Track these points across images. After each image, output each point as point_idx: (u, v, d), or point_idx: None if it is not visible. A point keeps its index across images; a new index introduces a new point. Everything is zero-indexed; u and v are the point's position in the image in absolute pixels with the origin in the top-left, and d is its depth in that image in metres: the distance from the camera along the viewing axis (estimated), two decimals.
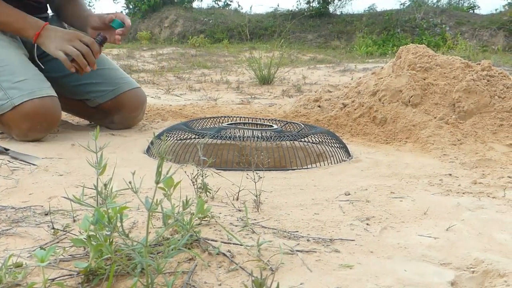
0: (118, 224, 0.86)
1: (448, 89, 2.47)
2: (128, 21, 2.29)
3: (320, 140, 2.07)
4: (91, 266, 0.85)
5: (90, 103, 2.51)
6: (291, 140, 1.98)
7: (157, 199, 0.88)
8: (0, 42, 2.20)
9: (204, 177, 1.37)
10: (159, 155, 0.82)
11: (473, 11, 15.31)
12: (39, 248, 0.97)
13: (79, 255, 0.95)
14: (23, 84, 2.08)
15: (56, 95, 2.15)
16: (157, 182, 0.82)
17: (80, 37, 2.21)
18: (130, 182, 0.84)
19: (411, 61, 2.64)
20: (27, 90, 2.07)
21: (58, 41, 2.19)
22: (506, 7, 13.46)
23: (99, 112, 2.52)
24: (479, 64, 2.61)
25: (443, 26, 12.90)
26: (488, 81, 2.48)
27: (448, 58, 2.66)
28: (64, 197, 1.29)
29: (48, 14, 2.56)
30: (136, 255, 0.83)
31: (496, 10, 14.48)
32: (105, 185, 0.90)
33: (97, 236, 0.85)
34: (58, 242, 1.03)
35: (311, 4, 14.87)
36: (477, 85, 2.42)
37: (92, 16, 2.37)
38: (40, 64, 2.36)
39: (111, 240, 0.86)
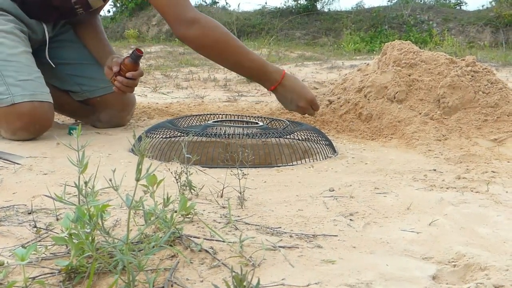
0: (100, 222, 0.86)
1: (433, 85, 2.49)
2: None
3: (306, 137, 2.08)
4: (72, 264, 0.85)
5: (77, 96, 2.49)
6: (276, 137, 1.99)
7: (140, 197, 0.88)
8: (13, 38, 2.19)
9: (188, 174, 1.37)
10: (139, 152, 0.82)
11: (460, 8, 15.38)
12: (20, 247, 0.97)
13: (61, 254, 0.94)
14: (26, 84, 2.08)
15: (52, 101, 2.16)
16: (137, 180, 0.82)
17: (313, 103, 2.38)
18: (110, 180, 0.84)
19: (396, 58, 2.65)
20: (30, 90, 2.07)
21: (294, 106, 2.38)
22: (493, 3, 13.53)
23: (86, 108, 2.51)
24: (464, 60, 2.62)
25: (430, 22, 12.96)
26: (472, 76, 2.49)
27: (433, 54, 2.68)
28: (47, 196, 1.29)
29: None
30: (117, 252, 0.83)
31: (482, 6, 14.59)
32: (86, 183, 0.90)
33: (79, 234, 0.85)
34: (40, 241, 1.03)
35: (299, 2, 14.88)
36: (462, 81, 2.43)
37: (112, 56, 2.33)
38: (51, 63, 2.36)
39: (92, 238, 0.86)
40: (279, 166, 1.83)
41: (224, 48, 2.20)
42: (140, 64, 2.24)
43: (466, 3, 16.18)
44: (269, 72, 2.28)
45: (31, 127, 2.07)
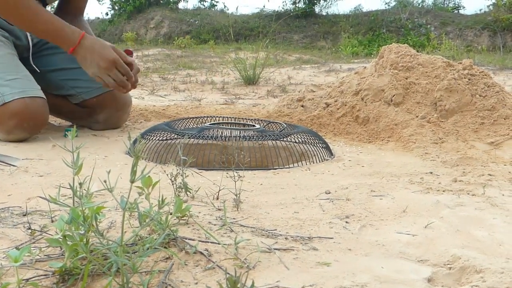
0: (94, 223, 0.86)
1: (430, 88, 2.49)
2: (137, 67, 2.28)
3: (303, 139, 2.08)
4: (66, 266, 0.85)
5: (73, 99, 2.49)
6: (273, 139, 1.99)
7: (135, 199, 0.88)
8: None
9: (184, 176, 1.37)
10: (134, 154, 0.82)
11: (458, 11, 15.40)
12: (14, 249, 0.97)
13: (55, 255, 0.94)
14: (14, 83, 2.09)
15: (45, 97, 2.15)
16: (132, 181, 0.81)
17: (117, 64, 2.15)
18: (105, 182, 0.84)
19: (393, 61, 2.65)
20: (19, 88, 2.07)
21: (95, 68, 2.14)
22: (490, 7, 13.55)
23: (83, 110, 2.51)
24: (460, 63, 2.63)
25: (428, 26, 12.98)
26: (469, 80, 2.49)
27: (430, 57, 2.68)
28: (42, 197, 1.29)
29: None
30: (111, 254, 0.83)
31: (480, 10, 14.57)
32: (80, 184, 0.90)
33: (73, 235, 0.84)
34: (34, 243, 1.02)
35: (297, 5, 14.89)
36: (458, 84, 2.43)
37: None
38: (36, 68, 2.36)
39: (87, 239, 0.86)
40: (275, 169, 1.83)
41: (15, 7, 2.08)
42: (138, 66, 2.26)
43: (463, 7, 16.22)
44: (66, 33, 2.12)
45: (25, 123, 2.06)
